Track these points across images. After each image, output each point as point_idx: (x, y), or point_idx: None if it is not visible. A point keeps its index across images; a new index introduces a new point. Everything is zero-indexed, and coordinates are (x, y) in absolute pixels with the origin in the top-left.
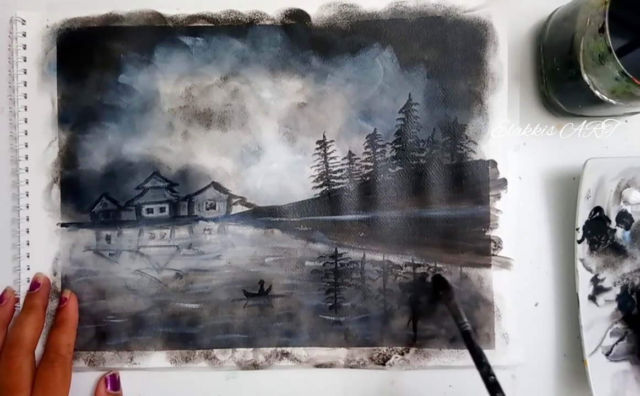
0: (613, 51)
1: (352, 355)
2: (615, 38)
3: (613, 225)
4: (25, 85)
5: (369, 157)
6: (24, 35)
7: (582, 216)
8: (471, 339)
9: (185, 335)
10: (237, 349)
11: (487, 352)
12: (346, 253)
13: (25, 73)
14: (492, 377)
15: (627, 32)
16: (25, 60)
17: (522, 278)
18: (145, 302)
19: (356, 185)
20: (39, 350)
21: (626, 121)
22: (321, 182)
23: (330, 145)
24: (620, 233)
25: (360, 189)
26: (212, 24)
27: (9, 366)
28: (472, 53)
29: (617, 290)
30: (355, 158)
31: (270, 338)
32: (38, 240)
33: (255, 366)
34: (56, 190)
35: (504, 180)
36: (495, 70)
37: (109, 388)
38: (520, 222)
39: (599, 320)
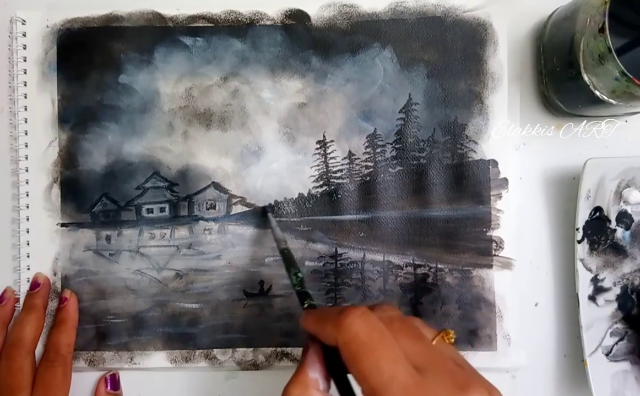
0: (613, 51)
1: None
2: (615, 38)
3: (613, 225)
4: (25, 85)
5: (369, 157)
6: (24, 35)
7: (582, 216)
8: (288, 256)
9: (185, 335)
10: (237, 349)
11: (488, 354)
12: (346, 253)
13: (25, 73)
14: (299, 288)
15: (627, 32)
16: (25, 60)
17: (522, 278)
18: (145, 302)
19: (356, 185)
20: (39, 349)
21: (626, 121)
22: (321, 182)
23: (330, 145)
24: (620, 233)
25: (360, 189)
26: (212, 24)
27: (10, 366)
28: (471, 53)
29: (617, 290)
30: (355, 158)
31: (270, 338)
32: (38, 240)
33: (255, 366)
34: (56, 190)
35: (505, 180)
36: (495, 70)
37: (109, 388)
38: (520, 222)
39: (599, 320)
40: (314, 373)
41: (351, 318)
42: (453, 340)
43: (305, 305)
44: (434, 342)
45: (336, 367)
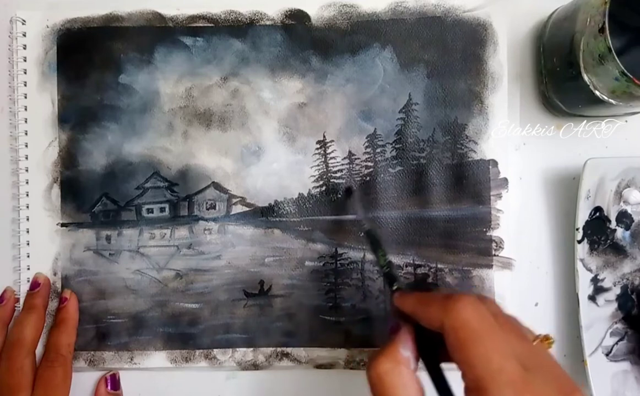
0: (613, 51)
1: (352, 355)
2: (615, 38)
3: (613, 225)
4: (25, 85)
5: (369, 157)
6: (24, 35)
7: (582, 216)
8: (374, 238)
9: (185, 335)
10: (237, 349)
11: None
12: (346, 253)
13: (25, 73)
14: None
15: (627, 32)
16: (25, 60)
17: (522, 278)
18: (145, 302)
19: (356, 185)
20: (39, 350)
21: (626, 121)
22: (321, 182)
23: (330, 145)
24: (620, 233)
25: (360, 189)
26: (212, 24)
27: (10, 366)
28: (471, 53)
29: (617, 290)
30: (355, 158)
31: (270, 338)
32: (38, 240)
33: (255, 366)
34: (56, 190)
35: (505, 180)
36: (495, 70)
37: (109, 388)
38: (520, 222)
39: (599, 320)
40: (406, 352)
41: (462, 304)
42: (552, 346)
43: (395, 288)
44: (534, 344)
45: (429, 349)
